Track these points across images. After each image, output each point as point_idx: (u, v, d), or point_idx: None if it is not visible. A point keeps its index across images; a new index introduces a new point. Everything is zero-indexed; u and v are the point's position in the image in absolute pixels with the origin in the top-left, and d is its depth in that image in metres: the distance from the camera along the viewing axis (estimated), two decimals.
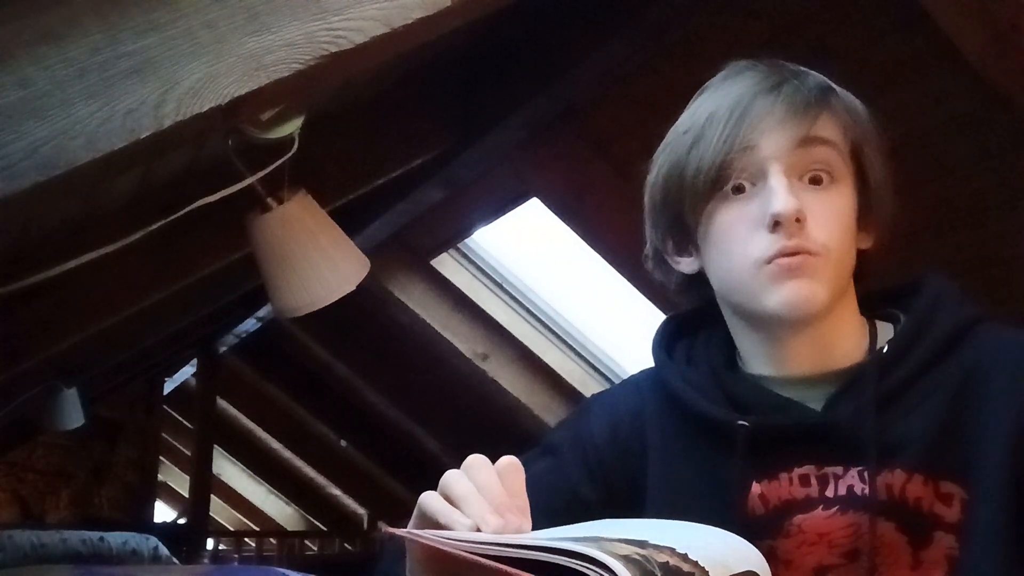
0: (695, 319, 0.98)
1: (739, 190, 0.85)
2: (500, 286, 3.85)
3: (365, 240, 3.05)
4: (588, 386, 3.92)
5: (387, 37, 0.97)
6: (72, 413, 3.65)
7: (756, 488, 0.85)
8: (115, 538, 3.35)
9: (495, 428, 4.64)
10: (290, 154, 1.66)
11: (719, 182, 0.85)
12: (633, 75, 2.37)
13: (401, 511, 6.84)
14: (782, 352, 0.87)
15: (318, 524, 7.97)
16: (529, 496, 0.87)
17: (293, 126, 1.66)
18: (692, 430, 0.90)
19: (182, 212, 1.49)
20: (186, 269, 2.27)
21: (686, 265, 0.94)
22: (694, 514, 0.85)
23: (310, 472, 7.42)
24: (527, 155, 2.80)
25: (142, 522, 5.30)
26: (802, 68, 0.89)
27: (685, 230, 0.91)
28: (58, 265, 1.36)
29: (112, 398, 5.51)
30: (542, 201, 3.04)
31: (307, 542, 7.39)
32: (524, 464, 0.93)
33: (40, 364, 2.36)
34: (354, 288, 1.85)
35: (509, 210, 3.24)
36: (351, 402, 5.79)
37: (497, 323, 3.88)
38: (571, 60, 2.07)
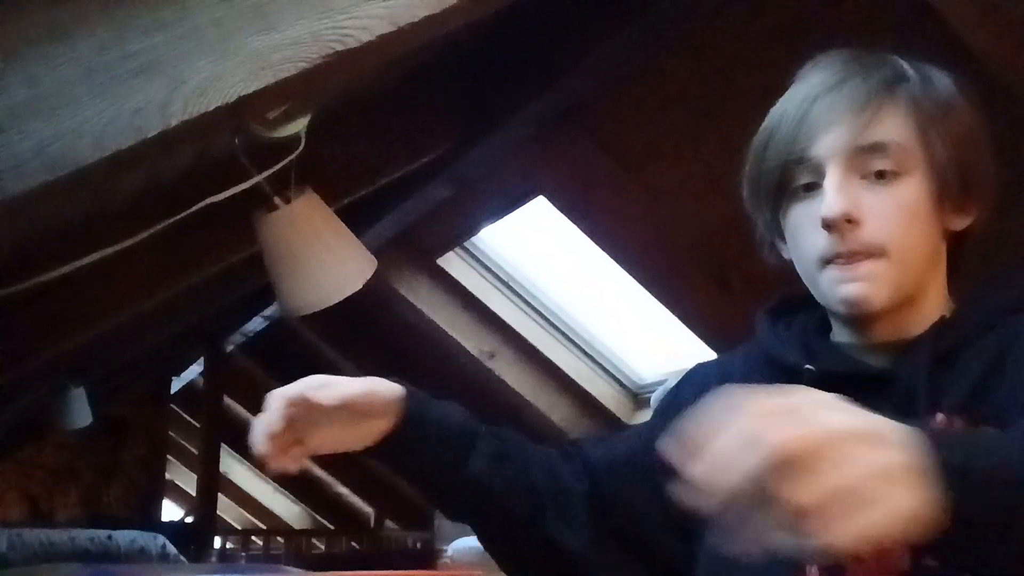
0: (803, 301, 1.02)
1: (810, 188, 0.89)
2: (507, 284, 3.85)
3: (371, 238, 3.05)
4: (595, 384, 3.91)
5: (393, 35, 0.97)
6: (80, 412, 3.66)
7: None
8: (123, 536, 3.36)
9: (501, 425, 4.63)
10: (297, 152, 1.66)
11: (785, 184, 0.90)
12: (639, 73, 2.37)
13: (407, 508, 6.85)
14: (862, 332, 0.92)
15: (325, 522, 7.98)
16: (619, 453, 1.02)
17: (300, 124, 1.66)
18: (770, 377, 0.94)
19: (189, 211, 1.50)
20: (193, 268, 2.27)
21: (785, 252, 0.97)
22: None
23: (317, 470, 7.43)
24: (533, 153, 2.79)
25: (150, 520, 5.32)
26: (882, 57, 0.91)
27: (774, 221, 0.95)
28: (66, 264, 1.36)
29: (120, 397, 5.53)
30: (548, 199, 3.04)
31: (314, 540, 7.40)
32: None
33: (48, 363, 2.36)
34: (361, 287, 1.85)
35: (515, 208, 3.24)
36: None
37: (503, 321, 3.88)
38: (577, 57, 2.07)
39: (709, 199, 2.66)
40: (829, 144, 0.87)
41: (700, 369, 1.07)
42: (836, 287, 0.87)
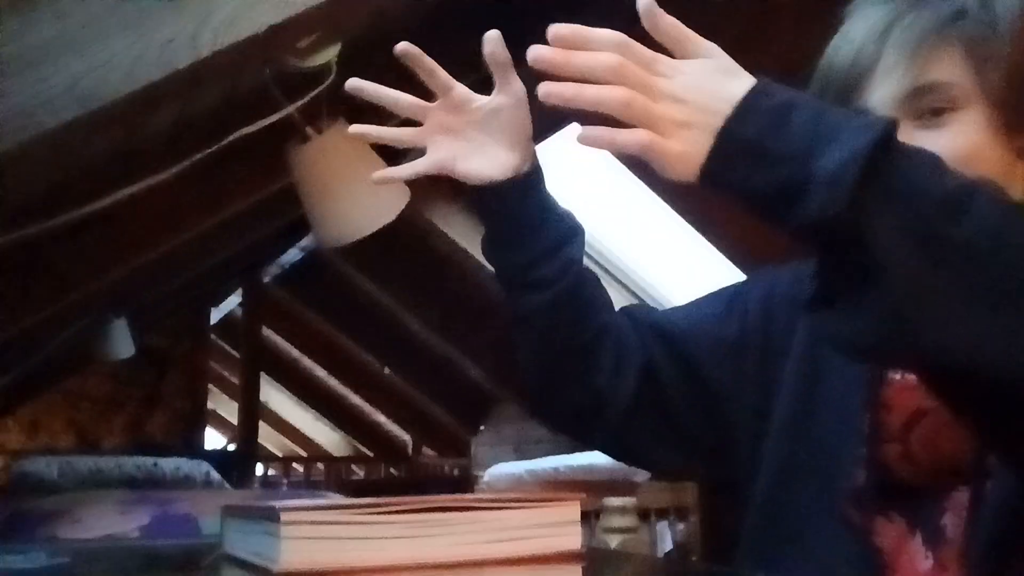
0: None
1: None
2: None
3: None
4: None
5: None
6: (122, 343, 3.72)
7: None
8: (168, 463, 3.45)
9: None
10: (328, 82, 1.65)
11: None
12: None
13: (444, 435, 6.95)
14: None
15: (364, 450, 8.14)
16: (682, 319, 1.01)
17: (330, 54, 1.64)
18: None
19: (222, 143, 1.50)
20: (228, 200, 2.28)
21: None
22: (825, 397, 0.91)
23: (355, 399, 7.54)
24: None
25: (193, 448, 5.44)
26: None
27: None
28: (102, 198, 1.37)
29: (160, 328, 5.62)
30: (581, 126, 3.01)
31: (353, 467, 7.55)
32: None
33: (88, 296, 2.40)
34: (395, 218, 1.85)
35: (548, 136, 3.21)
36: (394, 330, 5.86)
37: None
38: None
39: None
40: (882, 94, 0.84)
41: (769, 276, 1.03)
42: None
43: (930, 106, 0.84)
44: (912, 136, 0.83)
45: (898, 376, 0.86)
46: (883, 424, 0.86)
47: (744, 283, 1.07)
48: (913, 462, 0.84)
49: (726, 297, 1.02)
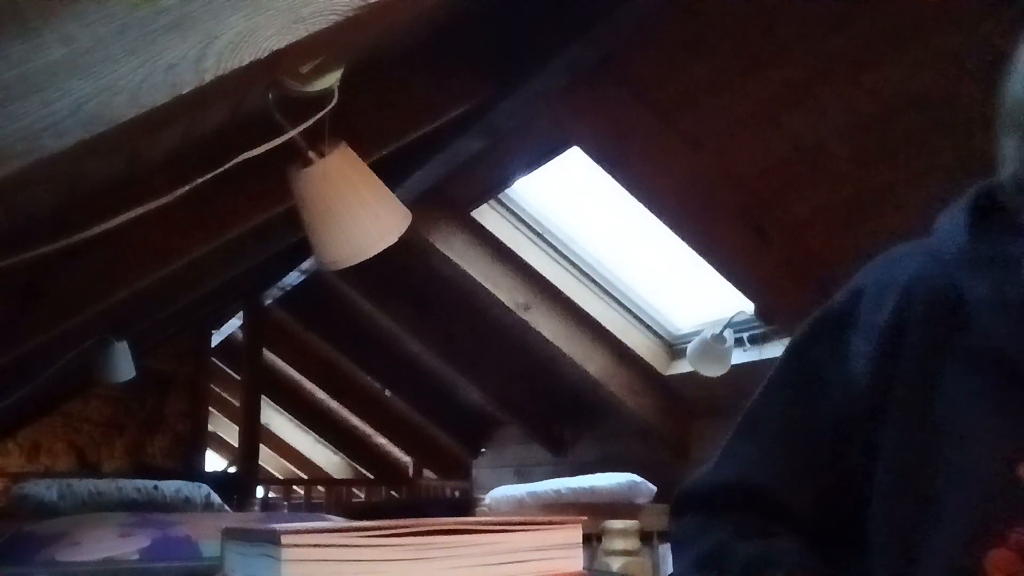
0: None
1: None
2: (541, 236, 3.84)
3: (406, 192, 3.05)
4: (630, 335, 3.91)
5: None
6: (123, 366, 3.73)
7: None
8: (168, 486, 3.43)
9: (537, 377, 4.66)
10: (330, 107, 1.66)
11: None
12: (674, 19, 2.33)
13: (445, 458, 6.93)
14: None
15: (364, 472, 8.11)
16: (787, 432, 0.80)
17: (333, 78, 1.65)
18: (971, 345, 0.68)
19: (225, 167, 1.50)
20: (230, 223, 2.29)
21: None
22: (946, 457, 0.68)
23: (356, 421, 7.53)
24: (567, 103, 2.77)
25: (194, 471, 5.43)
26: None
27: None
28: (105, 221, 1.38)
29: (162, 351, 5.62)
30: (582, 149, 3.02)
31: (354, 489, 7.52)
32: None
33: (91, 318, 2.40)
34: (396, 240, 1.85)
35: (549, 159, 3.22)
36: (395, 352, 5.85)
37: (538, 273, 3.88)
38: (610, 4, 2.04)
39: (747, 148, 2.63)
40: None
41: (877, 278, 0.76)
42: None
43: None
44: None
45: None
46: None
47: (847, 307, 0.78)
48: None
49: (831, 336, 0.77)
